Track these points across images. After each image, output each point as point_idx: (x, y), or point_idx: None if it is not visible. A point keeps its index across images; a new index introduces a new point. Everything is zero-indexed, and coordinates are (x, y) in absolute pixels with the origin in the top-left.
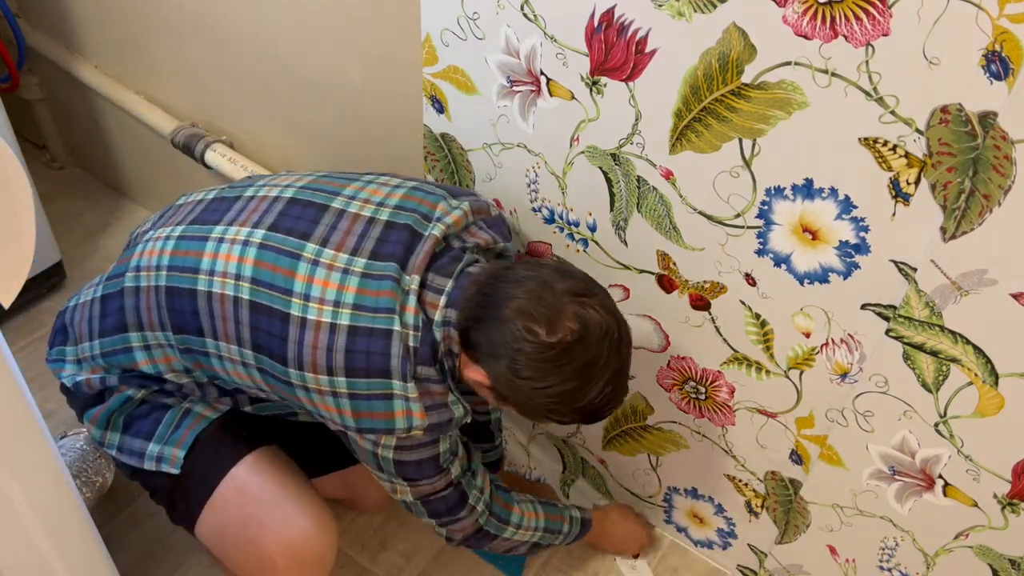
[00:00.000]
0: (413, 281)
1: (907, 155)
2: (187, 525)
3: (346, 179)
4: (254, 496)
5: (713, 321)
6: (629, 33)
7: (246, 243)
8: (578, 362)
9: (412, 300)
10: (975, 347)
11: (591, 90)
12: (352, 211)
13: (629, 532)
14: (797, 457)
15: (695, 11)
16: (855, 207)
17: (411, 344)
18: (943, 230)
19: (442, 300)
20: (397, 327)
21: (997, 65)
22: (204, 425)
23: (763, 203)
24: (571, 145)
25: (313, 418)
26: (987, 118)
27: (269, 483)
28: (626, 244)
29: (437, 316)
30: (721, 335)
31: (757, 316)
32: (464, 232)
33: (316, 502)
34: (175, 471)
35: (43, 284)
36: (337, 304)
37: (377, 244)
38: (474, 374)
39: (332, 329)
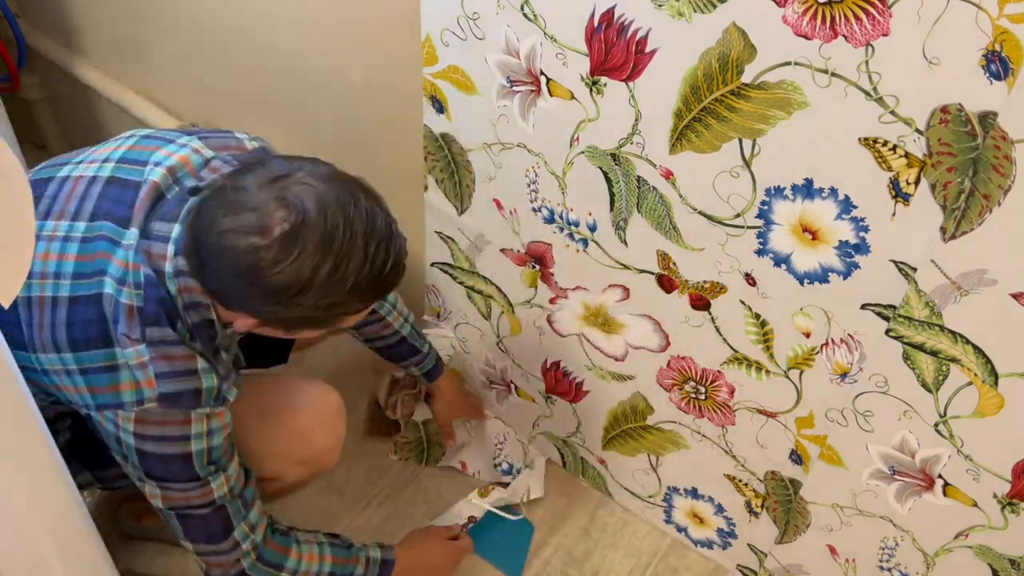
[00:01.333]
0: (131, 235)
1: (907, 155)
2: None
3: (114, 140)
4: (254, 400)
5: (713, 321)
6: (629, 33)
7: None
8: (312, 243)
9: (126, 255)
10: (975, 347)
11: (591, 90)
12: (75, 175)
13: (434, 564)
14: (797, 457)
15: (695, 11)
16: (855, 207)
17: (133, 304)
18: (943, 230)
19: (170, 249)
20: (108, 289)
21: (997, 65)
22: None
23: (763, 203)
24: (571, 145)
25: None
26: (987, 118)
27: (256, 390)
28: (626, 244)
29: (168, 267)
30: (721, 335)
31: (757, 316)
32: (203, 171)
33: (311, 379)
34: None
35: None
36: (58, 276)
37: (96, 203)
38: (240, 322)
39: (54, 303)
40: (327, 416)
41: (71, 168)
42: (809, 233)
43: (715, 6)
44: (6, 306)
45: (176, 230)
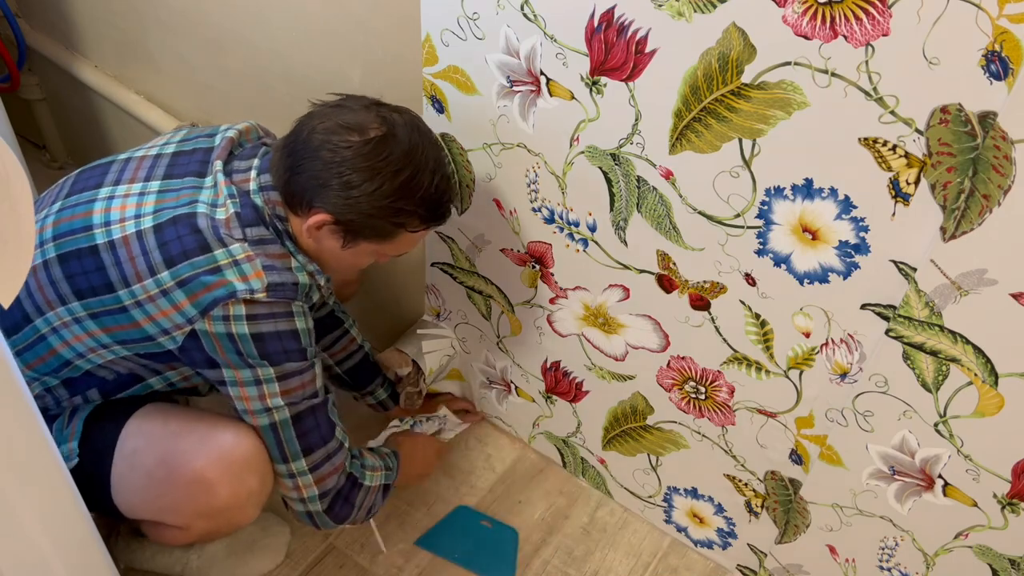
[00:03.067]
0: (215, 167)
1: (907, 155)
2: (114, 509)
3: (158, 138)
4: (161, 434)
5: (713, 321)
6: (629, 33)
7: (45, 217)
8: (399, 151)
9: (220, 178)
10: (975, 347)
11: (591, 90)
12: (138, 155)
13: (422, 462)
14: (797, 457)
15: (695, 11)
16: (855, 207)
17: (231, 211)
18: (943, 230)
19: (252, 173)
20: (202, 209)
21: (997, 65)
22: (89, 410)
23: (763, 203)
24: (571, 145)
25: (173, 377)
26: (987, 118)
27: (173, 418)
28: (626, 244)
29: (252, 185)
30: (721, 335)
31: (757, 316)
32: (258, 133)
33: (228, 417)
34: (75, 462)
35: None
36: (138, 217)
37: (168, 169)
38: (313, 220)
39: (139, 236)
40: (230, 466)
41: (129, 153)
42: (809, 233)
43: (715, 6)
44: (6, 306)
45: (255, 161)
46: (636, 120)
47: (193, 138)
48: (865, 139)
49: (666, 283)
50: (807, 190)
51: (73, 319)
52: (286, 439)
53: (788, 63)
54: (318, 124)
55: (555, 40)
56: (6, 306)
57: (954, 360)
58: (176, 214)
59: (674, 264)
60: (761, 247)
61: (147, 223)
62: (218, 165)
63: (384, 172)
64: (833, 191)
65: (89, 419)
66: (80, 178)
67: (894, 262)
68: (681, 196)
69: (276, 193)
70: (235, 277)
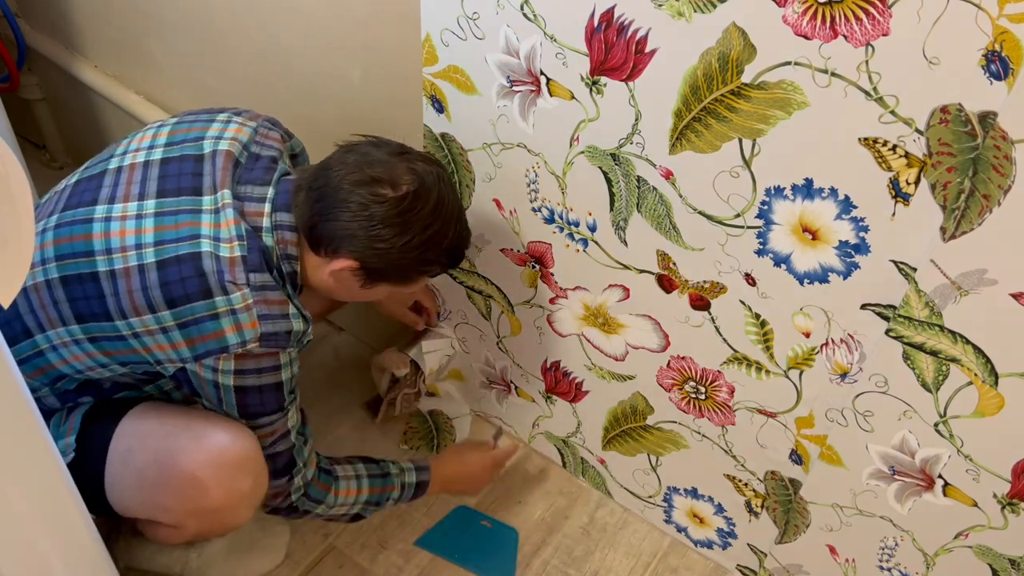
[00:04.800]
0: (223, 196)
1: (907, 155)
2: (109, 508)
3: (143, 132)
4: (156, 432)
5: (713, 321)
6: (629, 33)
7: (44, 231)
8: (429, 206)
9: (216, 217)
10: (975, 347)
11: (591, 90)
12: (127, 164)
13: (471, 475)
14: (797, 457)
15: (695, 11)
16: (855, 207)
17: (235, 254)
18: (943, 230)
19: (266, 207)
20: (206, 248)
21: (997, 65)
22: (87, 407)
23: (763, 203)
24: (571, 145)
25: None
26: (987, 118)
27: (168, 417)
28: (626, 244)
29: (265, 222)
30: (721, 335)
31: (757, 316)
32: (257, 137)
33: (224, 417)
34: (71, 456)
35: None
36: (139, 247)
37: (159, 184)
38: (338, 265)
39: (141, 270)
40: (223, 467)
41: (118, 160)
42: (809, 233)
43: (715, 6)
44: (6, 306)
45: (270, 192)
46: (636, 120)
47: (179, 140)
48: (865, 139)
49: (666, 283)
50: (807, 190)
51: (73, 340)
52: None
53: (788, 63)
54: (348, 174)
55: (555, 40)
56: (6, 305)
57: (954, 360)
58: (179, 253)
59: (674, 264)
60: (761, 247)
61: (149, 257)
62: (227, 195)
63: (414, 227)
64: (833, 191)
65: (86, 416)
66: (76, 190)
67: (894, 262)
68: (681, 196)
69: (292, 234)
70: (230, 327)
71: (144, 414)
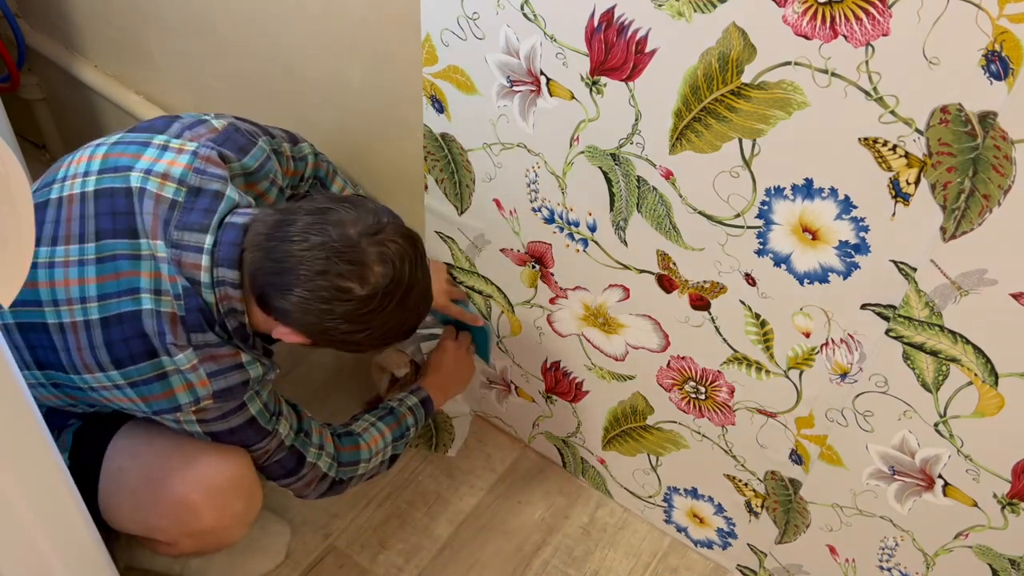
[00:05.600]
0: (158, 248)
1: (907, 155)
2: (103, 523)
3: (82, 151)
4: (148, 452)
5: (713, 321)
6: (629, 33)
7: None
8: (395, 300)
9: (154, 266)
10: (975, 347)
11: (591, 90)
12: (65, 194)
13: (456, 371)
14: (797, 457)
15: (695, 11)
16: (855, 207)
17: (175, 312)
18: (943, 230)
19: (204, 260)
20: (147, 305)
21: (997, 65)
22: (78, 424)
23: (763, 203)
24: (571, 145)
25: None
26: (987, 118)
27: (159, 436)
28: (626, 244)
29: (203, 278)
30: (721, 335)
31: (757, 316)
32: (196, 165)
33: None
34: None
35: None
36: (84, 300)
37: (96, 221)
38: (287, 336)
39: (87, 327)
40: (214, 489)
41: (59, 187)
42: (809, 233)
43: (715, 6)
44: (6, 306)
45: (207, 242)
46: (636, 120)
47: (111, 168)
48: (865, 139)
49: (666, 283)
50: (807, 190)
51: (38, 383)
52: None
53: (788, 63)
54: (312, 257)
55: (555, 40)
56: (6, 306)
57: (954, 360)
58: (121, 311)
59: (674, 264)
60: (761, 247)
61: (93, 313)
62: (160, 248)
63: (375, 323)
64: (833, 191)
65: (77, 434)
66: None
67: (894, 262)
68: (681, 196)
69: (236, 291)
70: (180, 386)
71: (135, 432)
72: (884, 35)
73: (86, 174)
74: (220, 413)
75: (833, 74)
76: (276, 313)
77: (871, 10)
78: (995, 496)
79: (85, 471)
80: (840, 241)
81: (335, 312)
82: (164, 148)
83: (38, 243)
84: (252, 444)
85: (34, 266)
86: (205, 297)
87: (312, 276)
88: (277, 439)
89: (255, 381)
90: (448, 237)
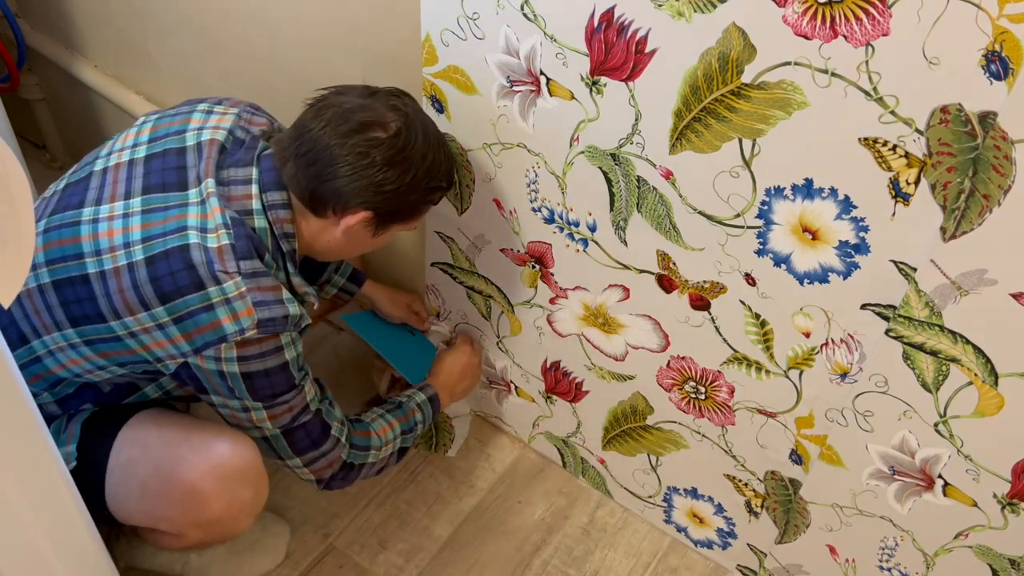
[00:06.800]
0: (207, 186)
1: (907, 155)
2: (109, 515)
3: (127, 132)
4: (157, 442)
5: (713, 321)
6: (629, 33)
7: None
8: (420, 136)
9: (202, 207)
10: (975, 347)
11: (591, 90)
12: (112, 164)
13: (463, 371)
14: (797, 457)
15: (695, 11)
16: (855, 207)
17: (223, 243)
18: (943, 230)
19: (253, 189)
20: (194, 240)
21: (997, 65)
22: (87, 415)
23: (763, 203)
24: (571, 145)
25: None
26: (987, 118)
27: (168, 427)
28: (626, 244)
29: (254, 205)
30: (721, 335)
31: (757, 316)
32: (242, 123)
33: (225, 426)
34: (73, 465)
35: None
36: (127, 245)
37: (144, 180)
38: (351, 220)
39: (131, 268)
40: (223, 478)
41: (103, 161)
42: (809, 233)
43: (715, 6)
44: (7, 306)
45: (254, 173)
46: (636, 120)
47: (162, 135)
48: (865, 139)
49: (666, 283)
50: (807, 190)
51: (68, 344)
52: (278, 448)
53: (788, 63)
54: (333, 129)
55: (555, 40)
56: (6, 305)
57: (954, 360)
58: (168, 247)
59: (674, 264)
60: (761, 247)
61: (138, 255)
62: (210, 185)
63: (415, 160)
64: (833, 191)
65: (86, 424)
66: (64, 195)
67: (894, 262)
68: (681, 196)
69: (286, 211)
70: (226, 316)
71: (144, 423)
72: (884, 35)
73: (135, 146)
74: (259, 351)
75: (833, 74)
76: (333, 201)
77: (871, 10)
78: (995, 496)
79: (93, 463)
80: (840, 241)
81: (376, 161)
82: (209, 112)
83: (81, 205)
84: (282, 393)
85: (77, 224)
86: (257, 223)
87: (343, 143)
88: (303, 396)
89: (293, 320)
90: (448, 237)
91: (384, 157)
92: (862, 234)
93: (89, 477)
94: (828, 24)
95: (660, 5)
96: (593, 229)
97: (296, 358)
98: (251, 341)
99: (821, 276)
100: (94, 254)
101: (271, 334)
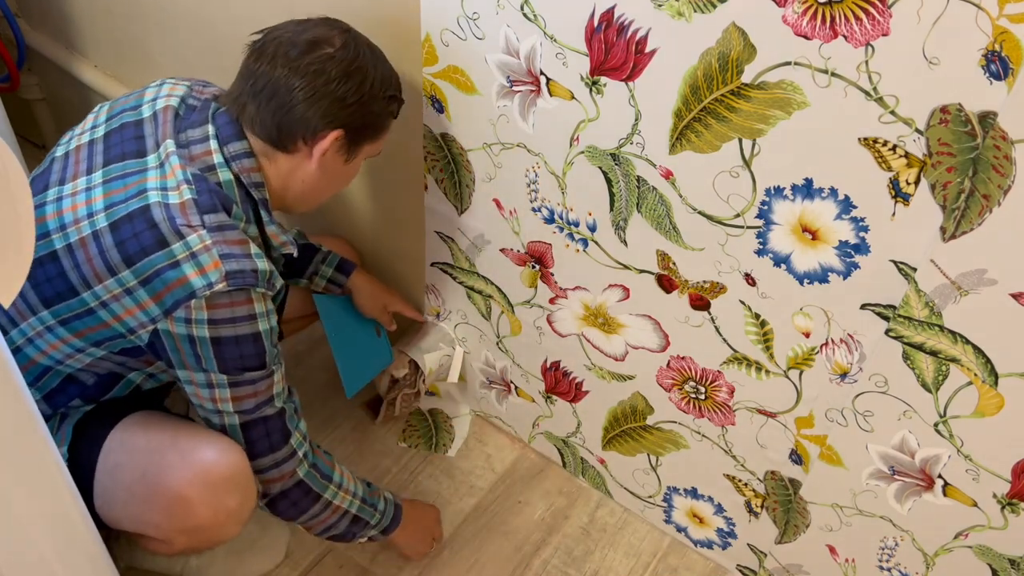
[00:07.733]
0: (166, 147)
1: (907, 155)
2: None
3: (83, 122)
4: (144, 447)
5: (713, 321)
6: (629, 33)
7: None
8: (364, 47)
9: (161, 169)
10: (975, 347)
11: (591, 90)
12: (73, 147)
13: (425, 529)
14: (797, 457)
15: (695, 11)
16: (855, 207)
17: (185, 198)
18: (943, 230)
19: (212, 144)
20: (154, 200)
21: (997, 65)
22: (78, 416)
23: (763, 203)
24: (571, 145)
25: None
26: (987, 118)
27: (156, 432)
28: (626, 244)
29: (216, 159)
30: (721, 335)
31: (757, 316)
32: (194, 93)
33: (212, 432)
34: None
35: None
36: (91, 215)
37: (104, 155)
38: (323, 145)
39: (96, 236)
40: (209, 485)
41: (63, 148)
42: (809, 233)
43: (715, 6)
44: (7, 306)
45: (210, 129)
46: (636, 120)
47: (118, 112)
48: (865, 139)
49: (666, 283)
50: (807, 190)
51: (45, 328)
52: (235, 440)
53: (788, 63)
54: (282, 59)
55: (555, 40)
56: (6, 306)
57: (954, 360)
58: (130, 210)
59: (674, 264)
60: (761, 247)
61: (101, 222)
62: (169, 145)
63: (366, 69)
64: (833, 191)
65: (77, 427)
66: (31, 184)
67: (894, 262)
68: (681, 196)
69: (251, 160)
70: (193, 272)
71: (132, 427)
72: (884, 35)
73: (93, 128)
74: (231, 314)
75: (833, 74)
76: (301, 130)
77: (871, 10)
78: (995, 496)
79: (83, 466)
80: (840, 241)
81: (333, 76)
82: (161, 84)
83: (46, 189)
84: (251, 368)
85: (42, 205)
86: (222, 177)
87: (296, 67)
88: (271, 384)
89: (263, 276)
90: (448, 237)
91: (339, 70)
92: (862, 234)
93: (78, 480)
94: (828, 24)
95: (660, 5)
96: (593, 229)
97: (269, 332)
98: (221, 299)
99: (821, 276)
100: (59, 229)
101: (240, 288)
